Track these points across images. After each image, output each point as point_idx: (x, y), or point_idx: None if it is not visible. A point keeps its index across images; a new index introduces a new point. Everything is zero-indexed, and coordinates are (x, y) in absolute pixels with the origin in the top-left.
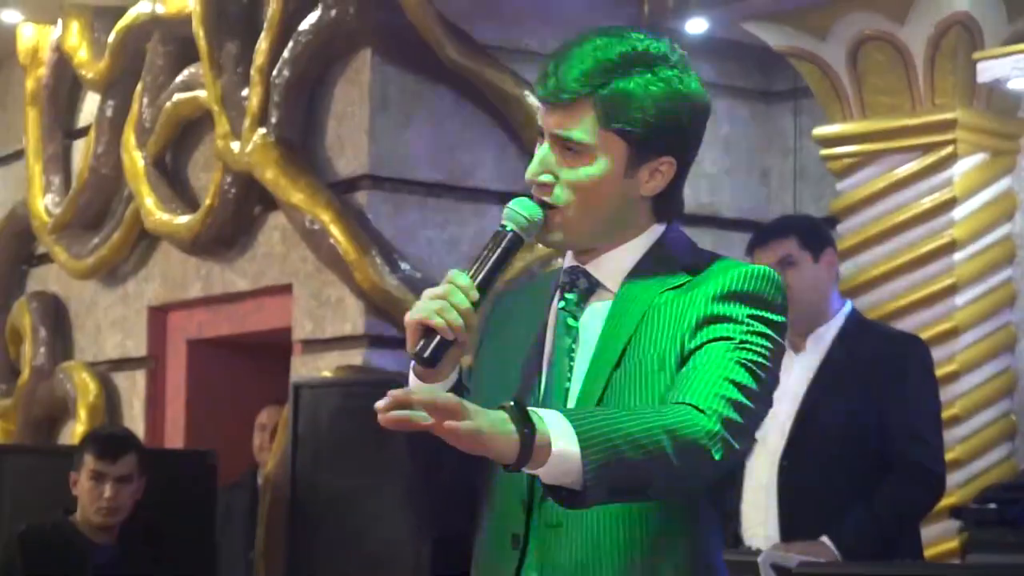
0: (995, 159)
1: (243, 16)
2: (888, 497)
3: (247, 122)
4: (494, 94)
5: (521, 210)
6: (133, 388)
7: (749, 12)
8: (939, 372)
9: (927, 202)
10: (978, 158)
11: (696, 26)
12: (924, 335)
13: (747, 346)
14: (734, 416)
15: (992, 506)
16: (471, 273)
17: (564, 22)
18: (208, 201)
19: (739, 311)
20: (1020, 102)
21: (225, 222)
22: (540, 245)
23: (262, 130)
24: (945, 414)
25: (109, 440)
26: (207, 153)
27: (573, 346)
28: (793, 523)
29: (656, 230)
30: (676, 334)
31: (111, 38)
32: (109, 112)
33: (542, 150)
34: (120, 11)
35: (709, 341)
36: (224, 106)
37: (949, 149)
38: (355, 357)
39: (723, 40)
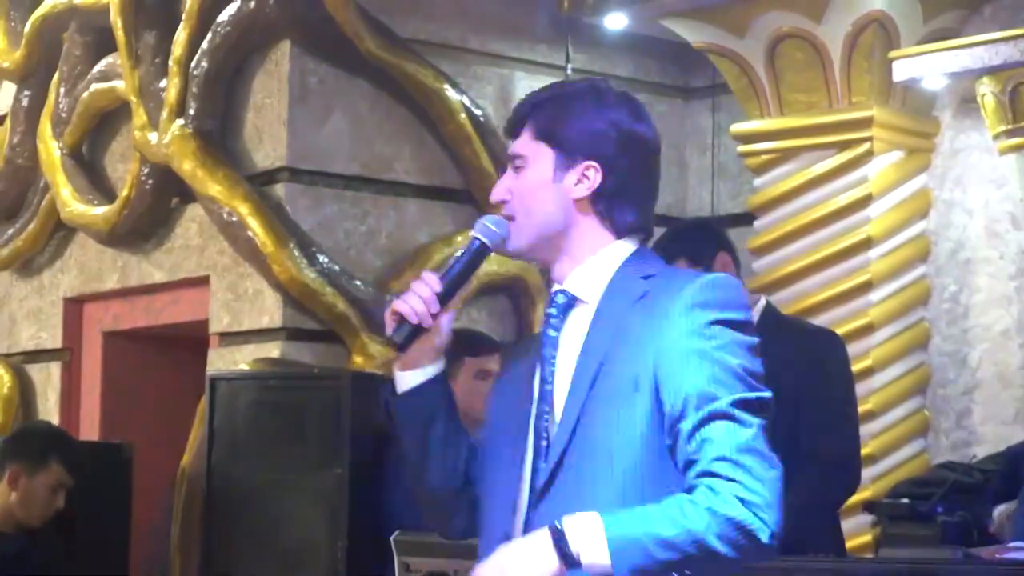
0: (910, 157)
1: (161, 6)
2: (805, 491)
3: (165, 113)
4: (413, 87)
5: (488, 223)
6: (48, 380)
7: (668, 8)
8: (854, 368)
9: (843, 199)
10: (894, 156)
11: (615, 21)
12: (839, 331)
13: (722, 359)
14: (754, 467)
15: (905, 501)
16: (440, 273)
17: (483, 17)
18: (125, 192)
19: (703, 317)
20: (935, 101)
21: (142, 214)
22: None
23: (180, 121)
24: (859, 409)
25: (77, 454)
26: (124, 144)
27: (553, 353)
28: None
29: (623, 246)
30: (647, 356)
31: (27, 27)
32: (25, 102)
33: (502, 175)
34: (37, 0)
35: (688, 368)
36: (142, 97)
37: (865, 147)
38: (272, 350)
39: (642, 36)
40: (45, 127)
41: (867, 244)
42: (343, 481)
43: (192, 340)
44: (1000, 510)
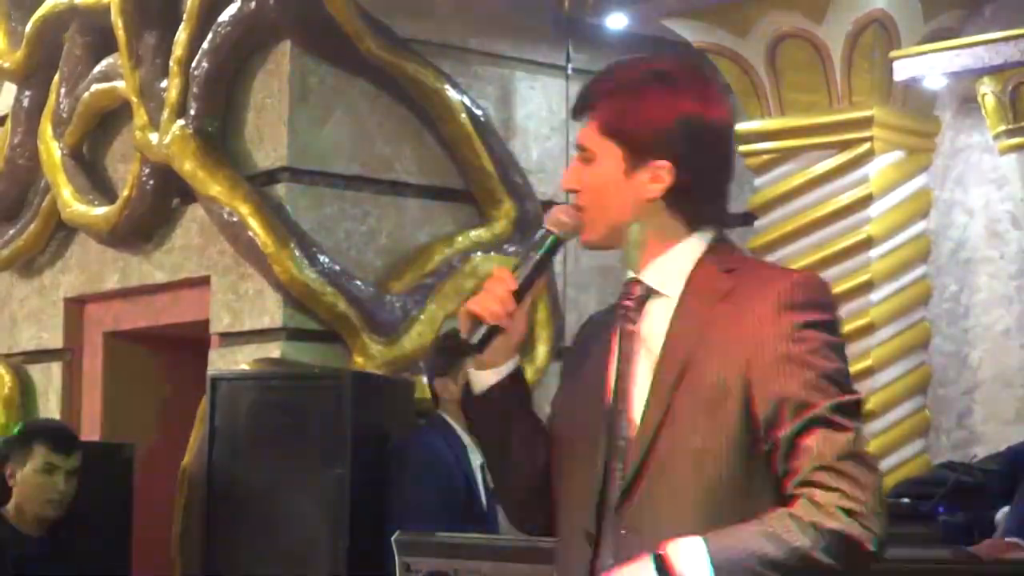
0: (911, 157)
1: (162, 7)
2: None
3: (165, 113)
4: (414, 88)
5: (559, 214)
6: (49, 380)
7: (669, 8)
8: (854, 368)
9: (844, 199)
10: (894, 156)
11: (616, 22)
12: None
13: (816, 363)
14: (858, 479)
15: (905, 501)
16: (513, 268)
17: (484, 17)
18: (126, 192)
19: (795, 320)
20: (936, 100)
21: (143, 214)
22: (463, 238)
23: (181, 121)
24: None
25: (62, 433)
26: (125, 144)
27: (631, 348)
28: None
29: (701, 238)
30: (736, 359)
31: (28, 28)
32: (26, 102)
33: (573, 161)
34: (38, 0)
35: (782, 374)
36: (142, 97)
37: (866, 146)
38: (273, 350)
39: (643, 36)
40: (46, 127)
41: (867, 244)
42: (344, 481)
43: (193, 340)
44: (1004, 512)
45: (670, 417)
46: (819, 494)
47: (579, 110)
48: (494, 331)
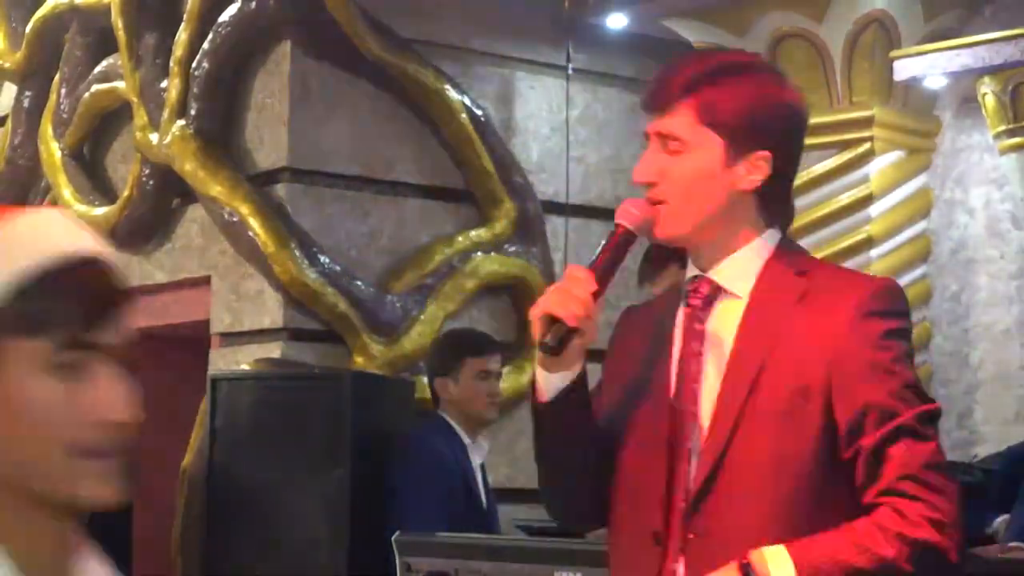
0: (911, 157)
1: (162, 7)
2: None
3: (166, 114)
4: (414, 88)
5: (633, 208)
6: None
7: (669, 8)
8: None
9: (844, 199)
10: (894, 155)
11: (616, 21)
12: None
13: (900, 372)
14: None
15: None
16: (589, 267)
17: (485, 17)
18: (126, 193)
19: (878, 328)
20: (936, 100)
21: (143, 214)
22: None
23: (181, 122)
24: None
25: None
26: (125, 145)
27: (700, 348)
28: None
29: (771, 236)
30: (817, 365)
31: (28, 28)
32: (26, 103)
33: (647, 152)
34: (38, 0)
35: (868, 382)
36: (143, 97)
37: (866, 146)
38: (274, 350)
39: (643, 36)
40: (46, 128)
41: (868, 244)
42: (344, 481)
43: (193, 340)
44: (1000, 520)
45: (745, 420)
46: (904, 504)
47: (661, 102)
48: (572, 333)
